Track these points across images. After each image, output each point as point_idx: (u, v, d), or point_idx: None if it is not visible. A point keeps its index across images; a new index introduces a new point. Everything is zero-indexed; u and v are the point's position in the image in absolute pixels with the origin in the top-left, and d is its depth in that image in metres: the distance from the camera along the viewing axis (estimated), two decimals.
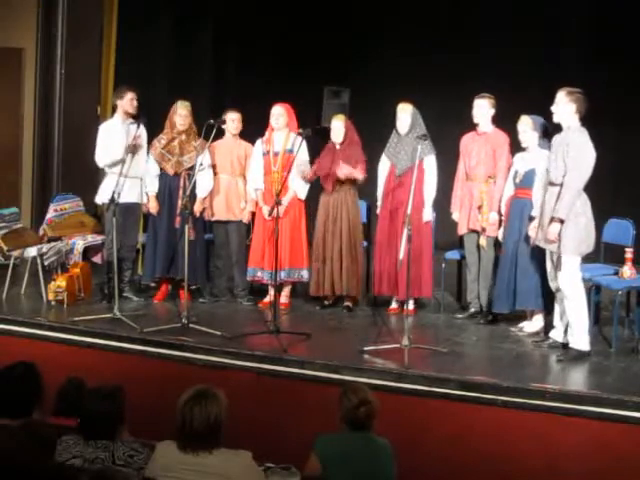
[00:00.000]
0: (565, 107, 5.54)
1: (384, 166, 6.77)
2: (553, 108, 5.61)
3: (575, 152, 5.45)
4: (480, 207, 6.40)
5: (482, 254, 6.49)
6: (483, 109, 6.44)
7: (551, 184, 5.60)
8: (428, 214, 6.65)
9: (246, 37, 9.96)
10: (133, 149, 6.71)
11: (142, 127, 6.85)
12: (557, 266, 5.62)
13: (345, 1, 9.71)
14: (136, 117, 6.89)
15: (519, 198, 6.16)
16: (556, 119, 5.62)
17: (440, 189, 6.80)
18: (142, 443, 3.50)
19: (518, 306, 6.29)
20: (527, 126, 6.16)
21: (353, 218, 6.76)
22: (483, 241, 6.44)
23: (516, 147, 6.37)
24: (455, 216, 6.65)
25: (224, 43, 10.19)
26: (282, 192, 6.47)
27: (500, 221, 6.37)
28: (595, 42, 8.66)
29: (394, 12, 9.42)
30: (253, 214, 7.00)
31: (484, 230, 6.41)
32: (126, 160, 6.54)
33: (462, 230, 6.61)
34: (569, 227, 5.47)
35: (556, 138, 5.67)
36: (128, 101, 6.90)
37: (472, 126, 6.58)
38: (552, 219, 5.50)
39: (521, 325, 6.36)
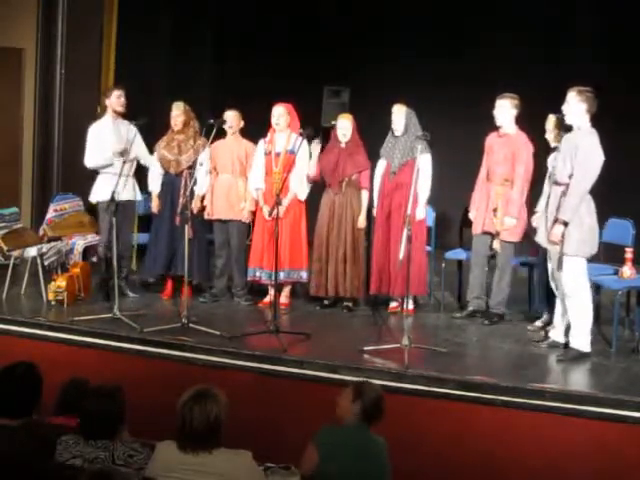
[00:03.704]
0: (576, 107, 5.49)
1: (380, 166, 6.79)
2: (564, 108, 5.55)
3: (583, 155, 5.41)
4: (495, 210, 6.38)
5: (498, 257, 6.46)
6: (504, 109, 6.34)
7: (556, 183, 5.58)
8: (421, 213, 6.62)
9: (246, 37, 9.97)
10: (121, 154, 6.73)
11: (132, 126, 6.79)
12: (559, 266, 5.60)
13: (345, 1, 9.72)
14: (125, 115, 6.87)
15: None
16: (567, 120, 5.58)
17: (441, 189, 6.80)
18: (142, 443, 3.50)
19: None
20: (553, 125, 6.13)
21: (357, 219, 6.76)
22: (497, 244, 6.40)
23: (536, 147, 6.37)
24: (471, 215, 6.62)
25: (224, 43, 10.19)
26: (282, 193, 6.47)
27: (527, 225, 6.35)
28: (594, 42, 8.67)
29: (394, 12, 9.42)
30: (254, 214, 7.01)
31: (498, 233, 6.39)
32: (115, 163, 6.56)
33: (477, 230, 6.55)
34: (573, 228, 5.45)
35: (566, 137, 5.63)
36: (115, 99, 6.90)
37: (472, 127, 6.58)
38: (556, 220, 5.49)
39: (537, 324, 6.37)
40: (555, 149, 6.15)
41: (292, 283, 6.97)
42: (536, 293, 6.46)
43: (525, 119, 6.35)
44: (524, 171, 6.31)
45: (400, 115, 6.64)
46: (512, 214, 6.30)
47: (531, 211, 6.38)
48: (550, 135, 6.20)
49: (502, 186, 6.37)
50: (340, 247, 6.76)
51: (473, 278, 6.65)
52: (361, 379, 4.35)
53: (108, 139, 6.85)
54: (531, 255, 6.67)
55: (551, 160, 6.20)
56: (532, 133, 6.34)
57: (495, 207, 6.37)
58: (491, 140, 6.53)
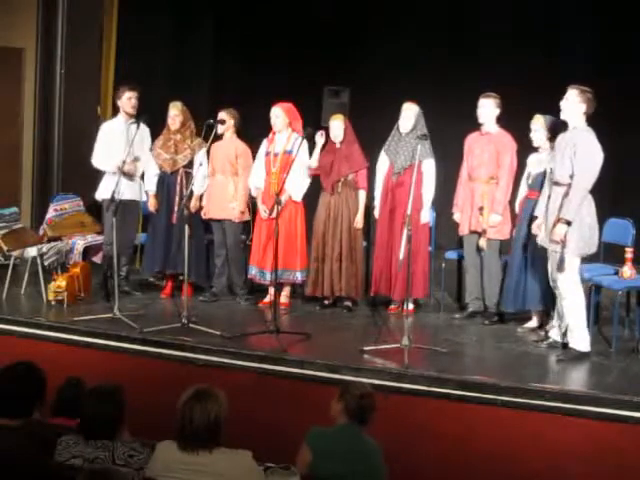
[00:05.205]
0: (575, 106, 5.47)
1: (383, 164, 6.78)
2: (562, 104, 5.51)
3: (583, 152, 5.40)
4: (481, 208, 6.39)
5: (485, 255, 6.48)
6: (487, 108, 6.38)
7: (556, 184, 5.56)
8: (426, 216, 6.67)
9: (246, 37, 9.97)
10: (127, 172, 6.73)
11: (143, 126, 6.83)
12: (559, 266, 5.58)
13: (345, 1, 9.72)
14: (137, 116, 6.89)
15: (530, 199, 6.14)
16: (563, 116, 5.55)
17: (440, 189, 6.80)
18: (142, 443, 3.50)
19: (527, 306, 6.30)
20: (540, 126, 6.12)
21: (354, 219, 6.75)
22: (482, 242, 6.42)
23: (523, 146, 6.35)
24: (456, 217, 6.63)
25: (224, 43, 10.19)
26: (280, 193, 6.46)
27: (514, 222, 6.36)
28: (593, 42, 8.68)
29: (394, 12, 9.42)
30: (255, 213, 7.00)
31: (485, 232, 6.40)
32: (118, 177, 6.56)
33: (464, 231, 6.58)
34: (574, 228, 5.43)
35: (561, 137, 5.61)
36: (126, 100, 6.93)
37: (472, 127, 6.58)
38: (559, 220, 5.46)
39: (526, 326, 6.36)
40: (537, 149, 6.15)
41: (286, 284, 6.96)
42: (509, 293, 6.32)
43: (523, 118, 6.33)
44: (509, 169, 6.34)
45: (410, 113, 6.62)
46: (497, 211, 6.33)
47: (513, 208, 6.40)
48: (535, 135, 6.15)
49: (487, 184, 6.39)
50: (336, 246, 6.76)
51: (470, 279, 6.66)
52: (345, 383, 4.32)
53: (117, 140, 6.86)
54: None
55: (531, 160, 6.21)
56: (528, 132, 6.31)
57: (481, 206, 6.38)
58: (471, 140, 6.56)
